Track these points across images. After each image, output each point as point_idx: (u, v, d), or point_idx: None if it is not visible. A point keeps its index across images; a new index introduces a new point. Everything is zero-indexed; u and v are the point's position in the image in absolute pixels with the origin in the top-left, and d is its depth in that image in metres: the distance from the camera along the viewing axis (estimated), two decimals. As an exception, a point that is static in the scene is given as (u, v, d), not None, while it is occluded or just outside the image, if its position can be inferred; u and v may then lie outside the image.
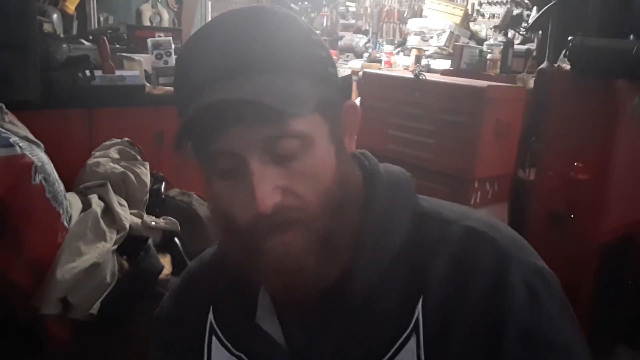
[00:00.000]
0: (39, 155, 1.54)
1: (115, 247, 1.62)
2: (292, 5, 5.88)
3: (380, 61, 4.65)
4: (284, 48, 0.58)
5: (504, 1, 4.48)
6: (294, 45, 0.58)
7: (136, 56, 2.58)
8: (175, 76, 0.64)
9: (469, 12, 4.74)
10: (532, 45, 3.57)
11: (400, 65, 4.40)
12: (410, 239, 0.63)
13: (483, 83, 2.76)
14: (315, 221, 0.57)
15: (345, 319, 0.61)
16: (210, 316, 0.69)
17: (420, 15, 5.12)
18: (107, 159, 1.89)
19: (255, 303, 0.65)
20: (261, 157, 0.56)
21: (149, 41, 2.61)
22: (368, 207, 0.63)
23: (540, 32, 3.19)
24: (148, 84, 2.42)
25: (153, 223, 1.78)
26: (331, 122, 0.60)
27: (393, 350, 0.60)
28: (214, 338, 0.69)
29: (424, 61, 4.25)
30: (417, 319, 0.60)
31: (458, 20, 4.63)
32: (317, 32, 0.60)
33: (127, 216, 1.72)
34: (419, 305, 0.60)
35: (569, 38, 2.12)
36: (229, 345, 0.67)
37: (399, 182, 0.67)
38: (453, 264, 0.60)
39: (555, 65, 2.44)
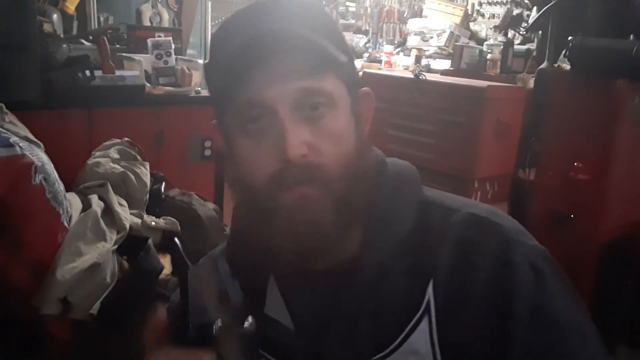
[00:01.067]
0: (39, 155, 1.54)
1: (115, 247, 1.62)
2: (292, 5, 5.89)
3: (380, 61, 4.65)
4: (318, 17, 0.63)
5: (504, 1, 4.47)
6: (327, 18, 0.64)
7: (136, 56, 2.58)
8: (213, 44, 0.67)
9: (469, 12, 4.74)
10: (532, 45, 3.57)
11: (400, 66, 4.40)
12: (417, 225, 0.65)
13: (483, 83, 2.76)
14: (334, 182, 0.60)
15: (354, 300, 0.63)
16: None
17: (420, 16, 5.11)
18: (107, 159, 1.89)
19: (264, 295, 0.67)
20: (292, 109, 0.59)
21: (149, 41, 2.61)
22: (376, 190, 0.66)
23: (540, 32, 3.20)
24: (148, 84, 2.42)
25: (153, 223, 1.78)
26: (352, 97, 0.64)
27: (406, 331, 0.62)
28: None
29: (424, 61, 4.25)
30: (429, 301, 0.62)
31: (458, 20, 4.63)
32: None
33: (127, 216, 1.72)
34: (430, 288, 0.62)
35: (569, 38, 2.12)
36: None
37: (404, 172, 0.70)
38: (459, 248, 0.63)
39: (555, 65, 2.44)
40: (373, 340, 0.62)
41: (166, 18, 4.24)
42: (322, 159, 0.60)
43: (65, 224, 1.57)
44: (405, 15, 5.37)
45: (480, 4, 4.73)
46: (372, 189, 0.65)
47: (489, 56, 3.40)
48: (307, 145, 0.59)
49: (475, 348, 0.60)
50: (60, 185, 1.58)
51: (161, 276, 1.61)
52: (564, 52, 2.24)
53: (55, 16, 3.13)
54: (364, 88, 0.68)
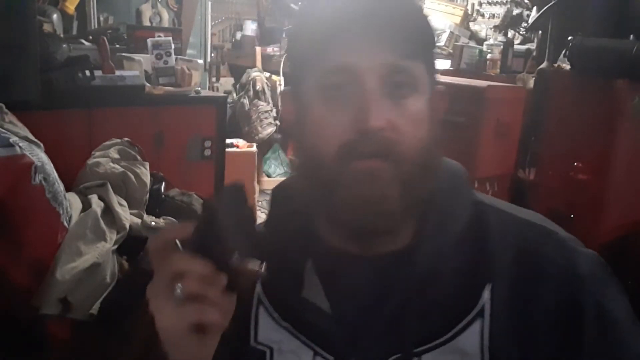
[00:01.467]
0: (39, 155, 1.54)
1: (115, 247, 1.62)
2: (292, 5, 5.89)
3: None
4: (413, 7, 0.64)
5: (504, 1, 4.48)
6: (419, 9, 0.64)
7: (136, 56, 2.58)
8: (305, 7, 0.68)
9: (469, 12, 4.74)
10: (532, 45, 3.57)
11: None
12: (471, 225, 0.65)
13: (483, 83, 2.76)
14: (406, 162, 0.59)
15: (403, 292, 0.62)
16: (258, 287, 0.69)
17: (420, 15, 5.11)
18: (107, 159, 1.89)
19: (302, 279, 0.66)
20: (378, 82, 0.59)
21: (149, 41, 2.61)
22: (434, 184, 0.65)
23: (540, 32, 3.20)
24: (148, 84, 2.42)
25: (153, 223, 1.78)
26: (430, 90, 0.63)
27: (455, 330, 0.61)
28: (261, 308, 0.69)
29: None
30: (484, 304, 0.61)
31: (458, 20, 4.63)
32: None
33: (127, 216, 1.72)
34: (486, 292, 0.62)
35: (569, 38, 2.12)
36: (275, 316, 0.67)
37: (459, 170, 0.70)
38: (519, 255, 0.63)
39: (555, 65, 2.44)
40: (417, 333, 0.62)
41: (166, 18, 4.24)
42: (398, 136, 0.59)
43: (65, 224, 1.57)
44: (405, 15, 5.37)
45: (480, 4, 4.73)
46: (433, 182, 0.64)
47: (488, 56, 3.40)
48: (387, 120, 0.58)
49: (533, 357, 0.61)
50: (60, 185, 1.58)
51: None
52: (564, 52, 2.24)
53: (55, 16, 3.13)
54: (439, 86, 0.67)
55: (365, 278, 0.64)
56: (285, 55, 0.78)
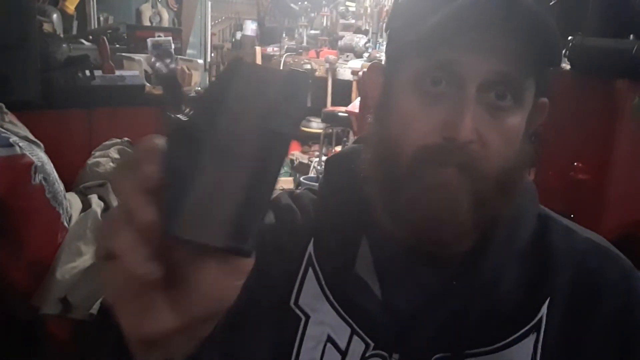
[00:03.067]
0: (39, 155, 1.54)
1: (115, 247, 1.62)
2: (292, 5, 5.89)
3: (380, 61, 4.64)
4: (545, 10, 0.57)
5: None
6: (552, 24, 0.54)
7: (136, 56, 2.58)
8: None
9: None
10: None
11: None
12: (537, 238, 0.63)
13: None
14: (486, 180, 0.55)
15: (462, 295, 0.60)
16: (311, 248, 0.65)
17: (420, 15, 5.11)
18: (107, 159, 1.89)
19: (355, 255, 0.62)
20: (479, 88, 0.54)
21: (149, 41, 2.61)
22: None
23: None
24: (148, 84, 2.42)
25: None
26: (534, 103, 0.59)
27: (508, 341, 0.60)
28: (310, 270, 0.65)
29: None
30: (541, 319, 0.60)
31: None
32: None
33: (127, 216, 1.72)
34: (545, 307, 0.60)
35: (569, 38, 2.12)
36: (323, 283, 0.64)
37: (528, 183, 0.67)
38: (579, 274, 0.62)
39: (555, 65, 2.44)
40: (469, 337, 0.60)
41: (166, 18, 4.24)
42: (486, 152, 0.54)
43: (65, 224, 1.57)
44: (405, 15, 5.37)
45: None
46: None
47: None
48: (478, 132, 0.54)
49: None
50: (60, 185, 1.58)
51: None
52: (564, 52, 2.24)
53: (55, 16, 3.13)
54: (543, 98, 0.61)
55: (423, 274, 0.62)
56: (386, 27, 0.70)
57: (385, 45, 0.65)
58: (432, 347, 0.60)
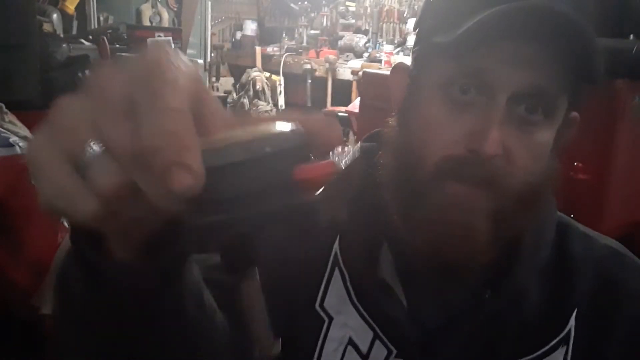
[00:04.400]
0: (39, 155, 1.54)
1: (115, 247, 1.62)
2: (292, 5, 5.89)
3: (380, 61, 4.65)
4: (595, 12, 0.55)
5: (504, 1, 4.47)
6: (596, 41, 0.51)
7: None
8: None
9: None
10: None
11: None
12: (557, 247, 0.62)
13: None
14: (508, 197, 0.52)
15: (491, 310, 0.58)
16: (336, 246, 0.63)
17: (420, 15, 5.11)
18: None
19: (377, 258, 0.60)
20: (509, 100, 0.51)
21: (149, 41, 2.61)
22: None
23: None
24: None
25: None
26: (565, 117, 0.56)
27: (537, 354, 0.59)
28: (336, 270, 0.62)
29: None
30: (570, 331, 0.59)
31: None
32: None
33: (127, 216, 1.72)
34: (572, 319, 0.59)
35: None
36: (349, 284, 0.61)
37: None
38: (601, 283, 0.61)
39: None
40: (498, 352, 0.59)
41: (166, 18, 4.24)
42: (511, 167, 0.52)
43: (65, 223, 1.57)
44: (405, 15, 5.37)
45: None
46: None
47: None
48: (504, 146, 0.51)
49: None
50: (60, 185, 1.58)
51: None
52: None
53: (55, 16, 3.13)
54: (574, 113, 0.58)
55: (447, 286, 0.60)
56: (415, 25, 0.68)
57: (413, 46, 0.61)
58: (458, 357, 0.59)
